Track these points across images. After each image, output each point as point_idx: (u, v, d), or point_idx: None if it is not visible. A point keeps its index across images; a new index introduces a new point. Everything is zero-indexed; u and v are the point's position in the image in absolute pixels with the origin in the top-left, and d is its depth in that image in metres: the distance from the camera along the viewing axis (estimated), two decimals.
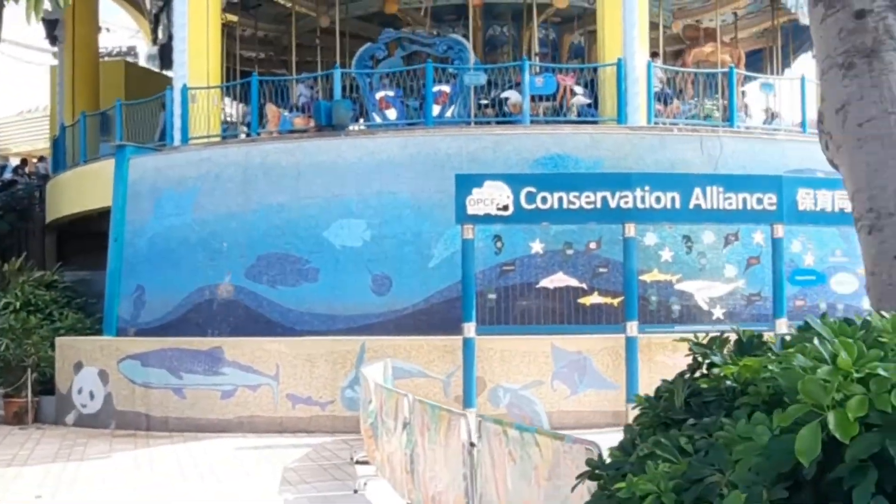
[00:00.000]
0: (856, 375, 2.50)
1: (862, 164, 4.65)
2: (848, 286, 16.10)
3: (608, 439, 4.52)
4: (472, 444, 6.89)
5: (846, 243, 16.36)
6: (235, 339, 15.57)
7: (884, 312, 3.56)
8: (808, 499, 2.46)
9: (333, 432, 14.52)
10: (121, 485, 11.45)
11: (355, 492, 10.62)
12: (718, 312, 15.48)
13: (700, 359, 3.76)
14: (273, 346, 15.19)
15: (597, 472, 3.51)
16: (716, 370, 3.32)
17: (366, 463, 11.77)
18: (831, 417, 2.39)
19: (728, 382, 3.20)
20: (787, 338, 3.61)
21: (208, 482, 11.50)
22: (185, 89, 17.72)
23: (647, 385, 14.52)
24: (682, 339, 3.90)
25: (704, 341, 3.90)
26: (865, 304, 15.79)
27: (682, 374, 3.85)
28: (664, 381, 4.00)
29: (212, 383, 15.33)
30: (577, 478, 3.68)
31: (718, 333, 4.03)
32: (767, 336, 3.75)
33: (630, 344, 14.41)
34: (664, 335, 14.90)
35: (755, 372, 3.01)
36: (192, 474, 12.02)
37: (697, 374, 3.75)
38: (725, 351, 3.68)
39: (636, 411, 4.10)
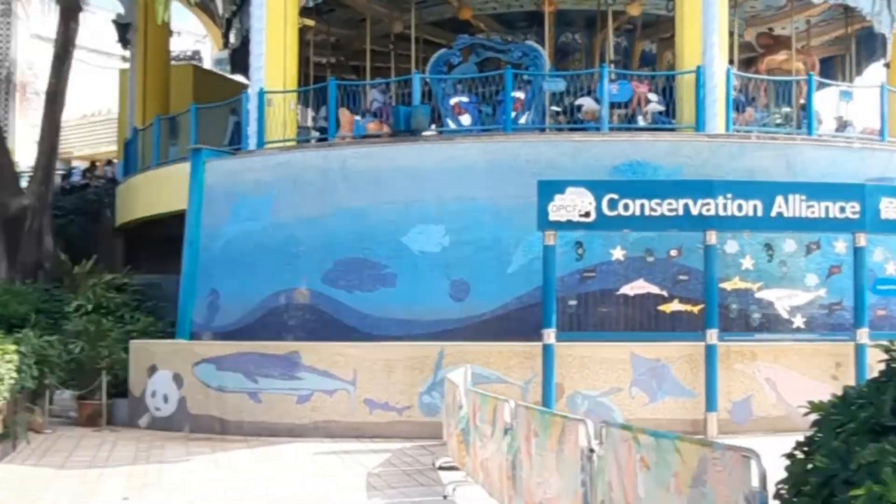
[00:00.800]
0: None
1: None
2: None
3: None
4: (591, 451, 6.79)
5: None
6: (312, 344, 15.54)
7: None
8: None
9: (411, 438, 14.43)
10: (205, 488, 11.44)
11: (445, 497, 10.52)
12: (799, 321, 15.28)
13: None
14: (350, 351, 15.16)
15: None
16: None
17: (451, 469, 11.69)
18: None
19: None
20: None
21: (294, 486, 11.47)
22: (261, 93, 17.74)
23: (725, 393, 14.42)
24: (877, 346, 3.77)
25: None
26: None
27: (875, 381, 3.72)
28: (849, 387, 3.88)
29: (288, 388, 15.30)
30: (778, 483, 3.56)
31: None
32: None
33: (710, 352, 14.34)
34: (742, 343, 14.82)
35: None
36: (276, 478, 12.00)
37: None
38: None
39: (811, 417, 3.97)
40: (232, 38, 23.16)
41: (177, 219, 18.50)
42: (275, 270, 16.68)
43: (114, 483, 11.67)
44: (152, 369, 16.30)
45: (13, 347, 13.35)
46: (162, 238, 20.34)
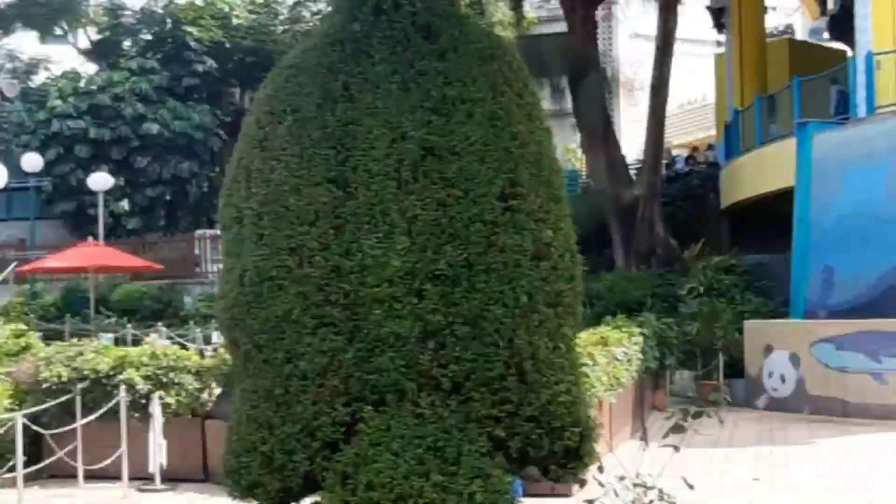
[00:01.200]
0: None
1: None
2: None
3: None
4: None
5: None
6: None
7: None
8: None
9: None
10: (833, 476, 10.98)
11: None
12: None
13: None
14: None
15: None
16: None
17: None
18: None
19: None
20: None
21: None
22: (869, 56, 16.77)
23: None
24: None
25: None
26: None
27: None
28: None
29: None
30: None
31: None
32: None
33: None
34: None
35: None
36: None
37: None
38: None
39: None
40: (830, 4, 22.24)
41: (779, 197, 18.26)
42: (893, 244, 15.61)
43: (740, 463, 11.74)
44: (767, 349, 16.22)
45: (637, 330, 14.10)
46: (764, 217, 20.22)
